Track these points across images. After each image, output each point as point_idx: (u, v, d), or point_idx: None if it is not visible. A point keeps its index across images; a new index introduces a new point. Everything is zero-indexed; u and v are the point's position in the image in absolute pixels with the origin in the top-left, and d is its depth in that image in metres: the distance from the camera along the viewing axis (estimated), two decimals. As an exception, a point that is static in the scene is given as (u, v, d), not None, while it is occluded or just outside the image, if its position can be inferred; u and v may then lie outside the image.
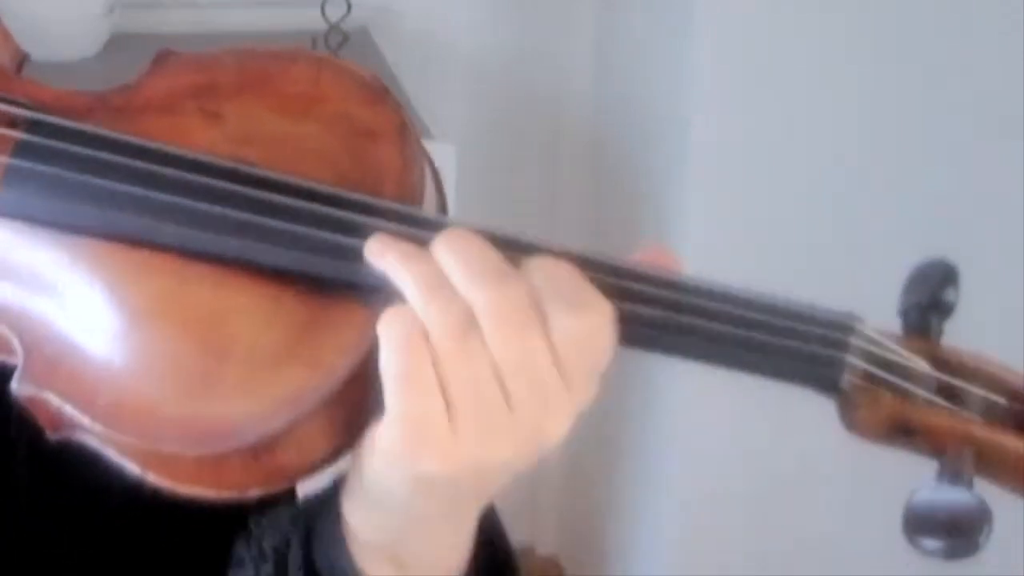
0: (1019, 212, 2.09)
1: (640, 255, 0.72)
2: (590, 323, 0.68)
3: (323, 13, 2.07)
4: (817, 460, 2.07)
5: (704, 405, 2.02)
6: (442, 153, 1.83)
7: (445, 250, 0.68)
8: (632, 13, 2.22)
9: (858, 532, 2.17)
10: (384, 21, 2.20)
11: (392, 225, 0.70)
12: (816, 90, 2.06)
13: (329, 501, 0.76)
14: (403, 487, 0.69)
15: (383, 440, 0.68)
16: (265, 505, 0.77)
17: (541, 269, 0.68)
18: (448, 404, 0.67)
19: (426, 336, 0.66)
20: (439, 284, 0.67)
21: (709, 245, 2.01)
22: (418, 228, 0.70)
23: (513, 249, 0.69)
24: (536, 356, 0.67)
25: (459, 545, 0.75)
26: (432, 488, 0.69)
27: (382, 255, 0.69)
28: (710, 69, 2.07)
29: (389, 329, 0.67)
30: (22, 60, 0.82)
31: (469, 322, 0.67)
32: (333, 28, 2.08)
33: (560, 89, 2.34)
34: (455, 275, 0.67)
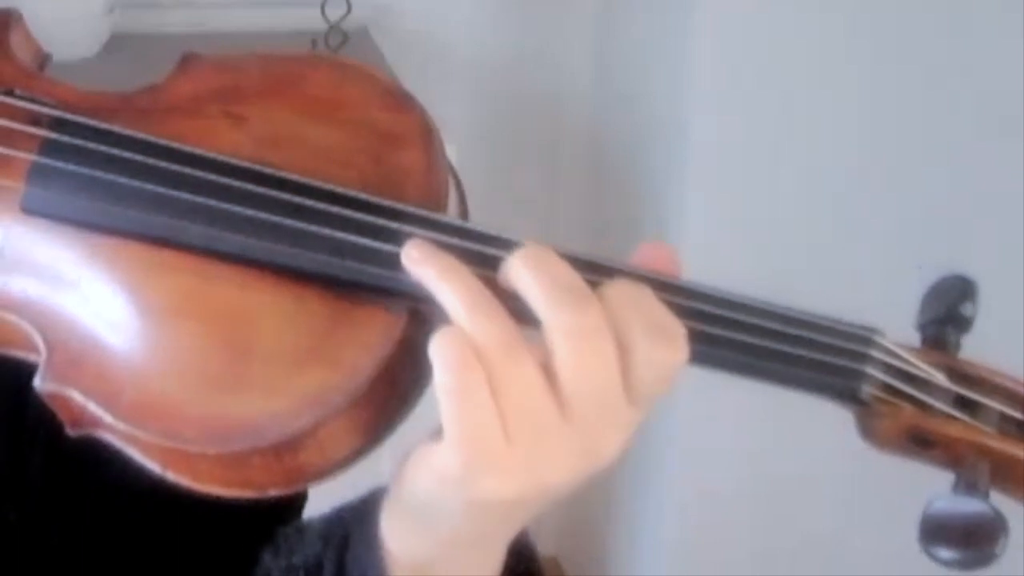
0: (1019, 212, 2.09)
1: (639, 253, 0.71)
2: (674, 354, 0.67)
3: (323, 13, 2.07)
4: (818, 460, 2.07)
5: (704, 405, 2.02)
6: (442, 153, 1.83)
7: (523, 266, 0.67)
8: (632, 13, 2.22)
9: (859, 532, 2.17)
10: (384, 21, 2.20)
11: (415, 229, 0.70)
12: (816, 90, 2.06)
13: (364, 517, 0.75)
14: (457, 507, 0.69)
15: (438, 460, 0.67)
16: (282, 504, 0.77)
17: (623, 293, 0.67)
18: (503, 421, 0.66)
19: (478, 352, 0.65)
20: (482, 298, 0.66)
21: (709, 245, 2.01)
22: (440, 232, 0.70)
23: (587, 270, 0.68)
24: (608, 381, 0.66)
25: (493, 566, 0.75)
26: (487, 508, 0.68)
27: (419, 266, 0.68)
28: (710, 69, 2.07)
29: (441, 348, 0.66)
30: (44, 60, 0.82)
31: (516, 336, 0.66)
32: (333, 28, 2.07)
33: (560, 89, 2.34)
34: (532, 292, 0.66)
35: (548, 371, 0.66)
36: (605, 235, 2.27)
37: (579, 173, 2.37)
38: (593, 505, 2.44)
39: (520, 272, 0.67)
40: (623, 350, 0.66)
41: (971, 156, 2.10)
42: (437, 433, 0.67)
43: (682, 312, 0.69)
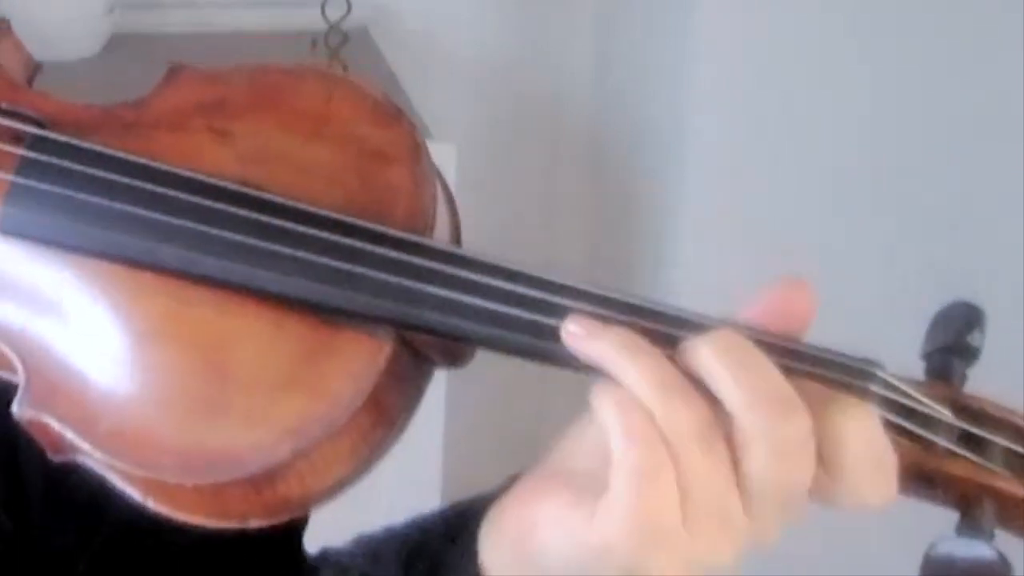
0: (1019, 212, 2.09)
1: (775, 295, 0.69)
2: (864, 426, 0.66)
3: (323, 13, 2.06)
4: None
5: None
6: (442, 153, 1.83)
7: (719, 364, 0.64)
8: (632, 13, 2.22)
9: (860, 532, 2.17)
10: (384, 21, 2.20)
11: (396, 253, 0.69)
12: (816, 90, 2.06)
13: (457, 551, 0.73)
14: (596, 571, 0.66)
15: (594, 531, 0.65)
16: (282, 530, 0.75)
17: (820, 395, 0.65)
18: (684, 506, 0.63)
19: (665, 436, 0.63)
20: (673, 378, 0.64)
21: (709, 245, 2.01)
22: (426, 258, 0.68)
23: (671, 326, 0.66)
24: (803, 483, 0.65)
25: None
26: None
27: (586, 344, 0.66)
28: (710, 69, 2.06)
29: (623, 421, 0.64)
30: (34, 71, 0.80)
31: (711, 424, 0.64)
32: (333, 28, 2.07)
33: (560, 89, 2.33)
34: (733, 395, 0.64)
35: (737, 465, 0.64)
36: (605, 235, 2.27)
37: (579, 173, 2.37)
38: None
39: (714, 368, 0.64)
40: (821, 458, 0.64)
41: (971, 156, 2.10)
42: (560, 486, 0.66)
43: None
